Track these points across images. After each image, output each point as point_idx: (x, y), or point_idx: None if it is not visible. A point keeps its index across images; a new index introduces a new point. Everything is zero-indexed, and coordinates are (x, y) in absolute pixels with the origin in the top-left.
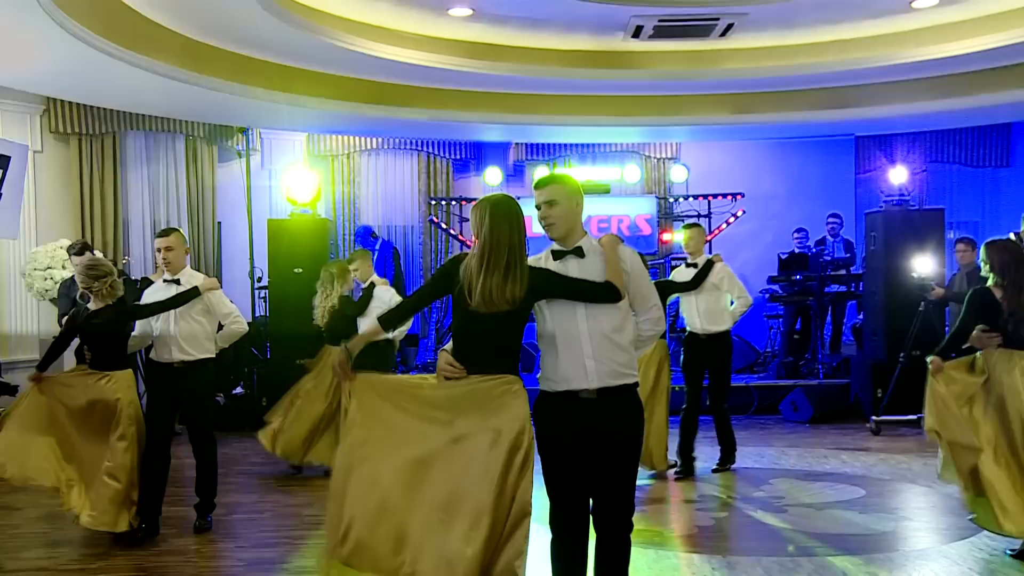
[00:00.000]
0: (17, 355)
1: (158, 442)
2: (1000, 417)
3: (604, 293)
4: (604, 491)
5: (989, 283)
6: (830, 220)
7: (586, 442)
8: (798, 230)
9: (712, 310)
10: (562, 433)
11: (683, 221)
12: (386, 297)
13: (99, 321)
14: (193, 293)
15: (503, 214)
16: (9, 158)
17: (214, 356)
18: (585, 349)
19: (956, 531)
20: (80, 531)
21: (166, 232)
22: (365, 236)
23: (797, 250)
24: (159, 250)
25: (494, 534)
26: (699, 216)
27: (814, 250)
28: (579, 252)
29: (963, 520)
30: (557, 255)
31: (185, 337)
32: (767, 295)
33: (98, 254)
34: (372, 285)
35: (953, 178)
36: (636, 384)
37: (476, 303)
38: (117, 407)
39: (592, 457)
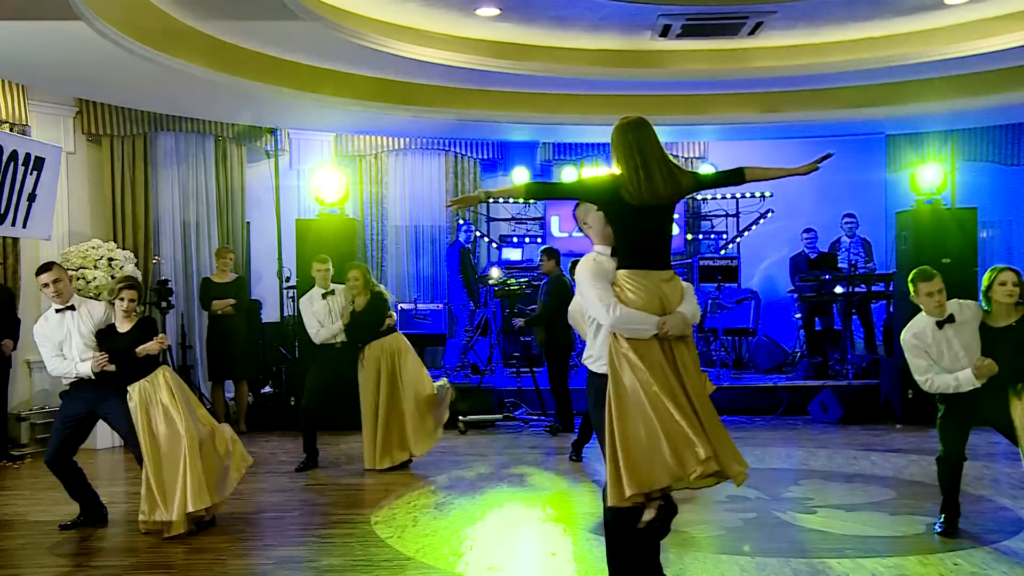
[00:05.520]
0: None
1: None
2: None
3: None
4: None
5: None
6: (846, 220)
7: None
8: (807, 230)
9: None
10: None
11: (711, 221)
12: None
13: None
14: None
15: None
16: (43, 160)
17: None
18: None
19: (989, 535)
20: (114, 532)
21: (48, 266)
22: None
23: (806, 251)
24: (47, 284)
25: None
26: (727, 215)
27: (826, 251)
28: None
29: (996, 524)
30: None
31: None
32: (796, 296)
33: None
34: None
35: (986, 176)
36: None
37: None
38: None
39: None
